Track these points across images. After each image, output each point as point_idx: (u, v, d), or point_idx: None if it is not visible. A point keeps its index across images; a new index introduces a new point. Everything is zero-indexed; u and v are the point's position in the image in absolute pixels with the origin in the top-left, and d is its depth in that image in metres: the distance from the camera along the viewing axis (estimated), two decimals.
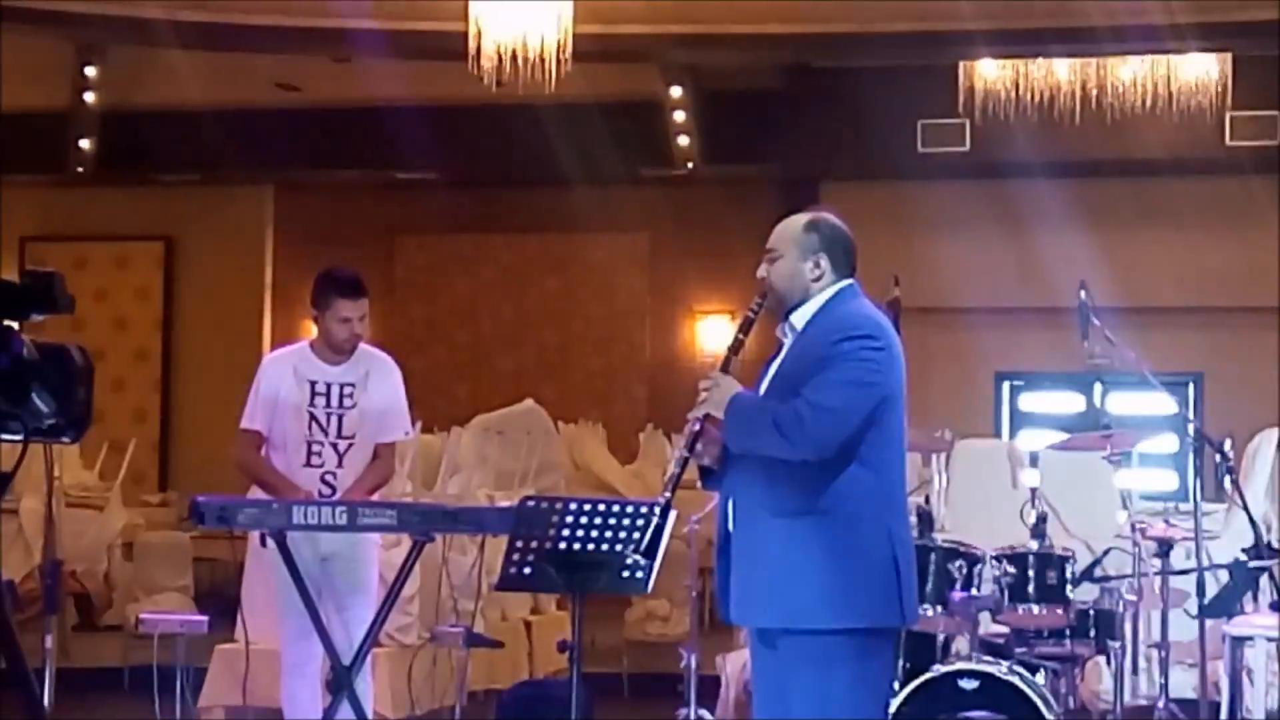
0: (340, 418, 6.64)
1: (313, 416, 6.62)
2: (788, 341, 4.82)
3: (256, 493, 6.62)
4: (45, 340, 3.31)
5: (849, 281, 4.82)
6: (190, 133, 16.18)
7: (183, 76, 14.90)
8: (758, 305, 4.84)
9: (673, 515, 4.87)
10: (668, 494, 4.81)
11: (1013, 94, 14.24)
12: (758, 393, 4.79)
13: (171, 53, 14.35)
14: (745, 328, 4.83)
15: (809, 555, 4.60)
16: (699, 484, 5.04)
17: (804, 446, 4.55)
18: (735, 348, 4.82)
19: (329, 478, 6.60)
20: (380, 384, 6.76)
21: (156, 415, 18.32)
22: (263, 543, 6.05)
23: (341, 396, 6.65)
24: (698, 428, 4.75)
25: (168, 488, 17.40)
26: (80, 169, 16.65)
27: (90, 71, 15.74)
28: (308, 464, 6.59)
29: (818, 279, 4.78)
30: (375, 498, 6.72)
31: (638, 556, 4.88)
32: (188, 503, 5.91)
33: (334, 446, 6.63)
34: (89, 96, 15.99)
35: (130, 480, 15.07)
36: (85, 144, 16.48)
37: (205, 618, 7.49)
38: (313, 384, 6.64)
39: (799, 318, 4.79)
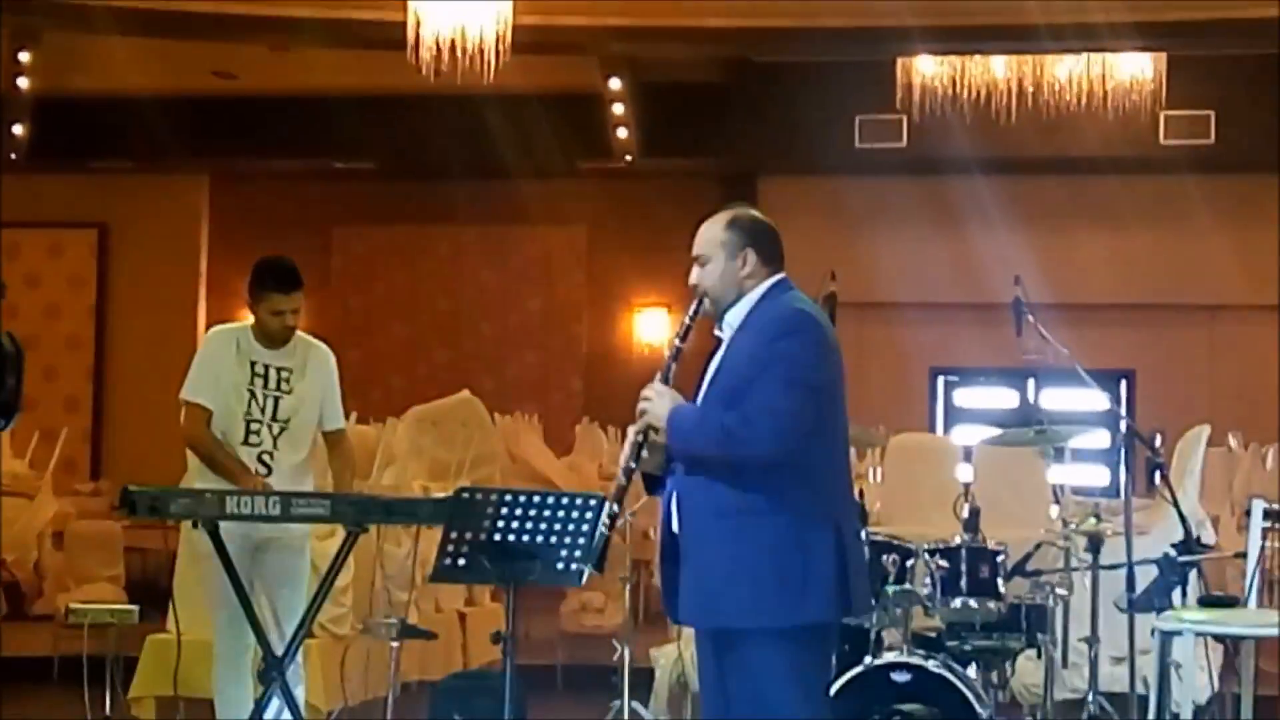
0: (276, 400, 6.63)
1: (252, 395, 6.61)
2: (726, 340, 4.85)
3: (203, 472, 6.58)
4: None
5: (780, 276, 4.86)
6: (126, 120, 16.07)
7: (118, 63, 14.79)
8: (695, 311, 4.88)
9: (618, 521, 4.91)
10: (614, 506, 4.84)
11: (950, 90, 14.33)
12: (699, 392, 4.82)
13: (107, 38, 14.25)
14: (684, 335, 4.86)
15: (756, 554, 4.62)
16: (644, 492, 5.04)
17: (757, 451, 4.58)
18: (675, 356, 4.85)
19: (265, 457, 6.60)
20: (317, 372, 6.76)
21: (89, 404, 18.19)
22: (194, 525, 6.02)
23: (279, 381, 6.65)
24: (642, 439, 4.77)
25: (99, 477, 17.28)
26: (13, 155, 16.49)
27: (24, 56, 15.59)
28: (246, 442, 6.58)
29: (749, 275, 4.83)
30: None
31: (589, 568, 4.90)
32: (119, 492, 5.86)
33: (269, 428, 6.63)
34: (22, 82, 15.83)
35: (61, 469, 14.97)
36: (18, 130, 16.33)
37: (136, 607, 7.45)
38: (253, 364, 6.64)
39: (734, 316, 4.83)
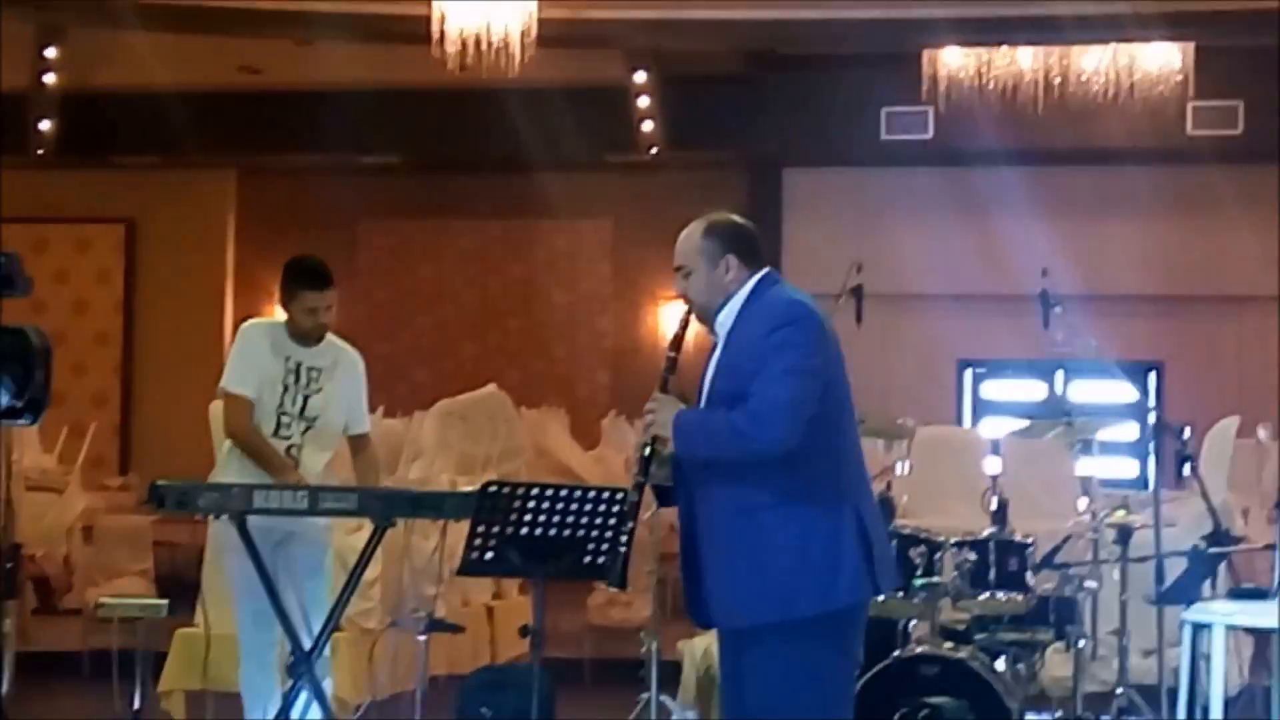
0: (306, 398, 6.68)
1: (285, 389, 6.65)
2: (720, 341, 4.88)
3: (230, 466, 6.60)
4: (3, 322, 3.29)
5: (764, 271, 4.89)
6: (152, 115, 16.08)
7: (144, 58, 14.80)
8: (685, 320, 4.93)
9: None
10: (631, 524, 4.86)
11: (976, 82, 14.27)
12: (700, 393, 4.84)
13: (133, 34, 14.27)
14: (676, 344, 4.92)
15: (783, 547, 4.63)
16: (656, 505, 5.07)
17: (767, 444, 4.59)
18: (671, 366, 4.90)
19: (293, 451, 6.63)
20: (347, 376, 6.81)
21: (117, 399, 18.24)
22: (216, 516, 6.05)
23: (309, 379, 6.69)
24: (649, 451, 4.78)
25: (128, 471, 17.32)
26: (40, 151, 16.53)
27: (50, 52, 15.62)
28: (275, 435, 6.62)
29: (733, 279, 4.86)
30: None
31: (615, 589, 4.95)
32: (148, 486, 5.88)
33: (298, 424, 6.68)
34: (49, 78, 15.88)
35: (90, 464, 15.01)
36: (45, 125, 16.36)
37: (165, 601, 7.46)
38: (287, 359, 6.68)
39: (726, 317, 4.87)
